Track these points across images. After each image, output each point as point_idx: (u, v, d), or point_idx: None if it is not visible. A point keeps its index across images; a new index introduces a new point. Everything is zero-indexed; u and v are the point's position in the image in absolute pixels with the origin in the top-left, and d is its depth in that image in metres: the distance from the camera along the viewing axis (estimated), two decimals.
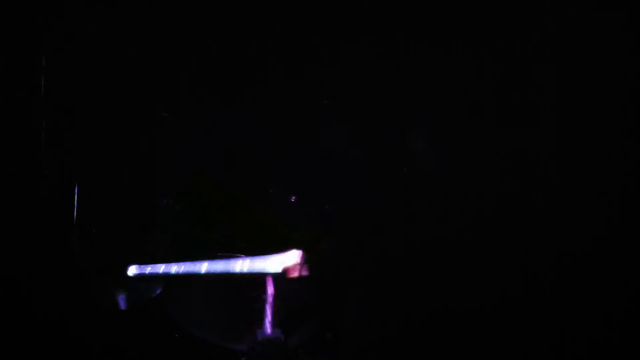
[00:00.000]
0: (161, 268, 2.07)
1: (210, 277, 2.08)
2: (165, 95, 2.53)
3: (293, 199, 2.43)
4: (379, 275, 1.36)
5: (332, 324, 1.44)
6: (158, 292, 1.99)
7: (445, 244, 1.35)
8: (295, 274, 2.06)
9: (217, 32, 2.60)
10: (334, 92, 2.52)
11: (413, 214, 1.36)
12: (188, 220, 2.34)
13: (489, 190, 1.42)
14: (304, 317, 1.69)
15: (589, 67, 2.21)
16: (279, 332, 1.81)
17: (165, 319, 1.87)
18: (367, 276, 1.35)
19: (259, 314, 1.89)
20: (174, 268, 2.06)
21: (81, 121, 2.19)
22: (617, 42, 2.13)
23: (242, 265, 2.06)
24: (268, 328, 1.84)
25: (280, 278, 2.10)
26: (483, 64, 1.42)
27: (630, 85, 2.21)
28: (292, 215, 2.31)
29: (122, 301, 2.06)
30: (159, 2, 2.47)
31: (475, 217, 1.38)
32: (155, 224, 2.29)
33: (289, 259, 2.03)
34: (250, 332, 1.88)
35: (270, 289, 2.04)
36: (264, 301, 1.94)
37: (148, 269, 2.09)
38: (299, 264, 2.02)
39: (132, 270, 2.10)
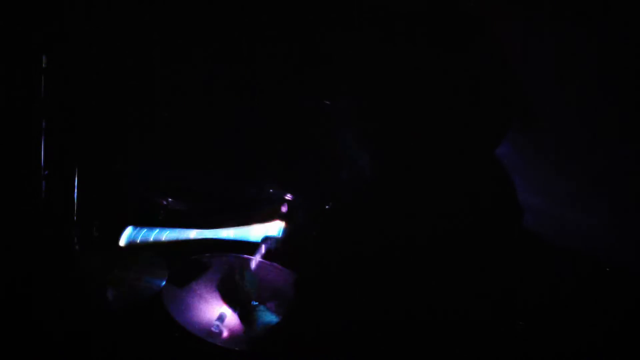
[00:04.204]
0: (152, 234, 2.07)
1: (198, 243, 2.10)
2: (165, 94, 2.54)
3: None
4: (379, 274, 1.36)
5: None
6: (158, 291, 1.99)
7: (444, 243, 1.34)
8: (278, 245, 2.08)
9: (216, 32, 2.61)
10: (334, 92, 2.52)
11: (413, 213, 1.36)
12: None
13: (488, 189, 1.42)
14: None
15: None
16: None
17: (165, 319, 1.88)
18: (365, 275, 1.35)
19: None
20: (165, 234, 2.07)
21: (81, 121, 2.20)
22: None
23: (228, 232, 2.08)
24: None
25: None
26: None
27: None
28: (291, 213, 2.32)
29: (122, 300, 2.06)
30: (159, 2, 2.47)
31: (475, 216, 1.38)
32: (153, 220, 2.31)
33: (272, 228, 2.05)
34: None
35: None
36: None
37: (140, 235, 2.09)
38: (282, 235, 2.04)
39: (125, 237, 2.09)
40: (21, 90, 2.02)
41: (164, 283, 1.96)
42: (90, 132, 2.27)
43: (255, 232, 2.08)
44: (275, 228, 2.08)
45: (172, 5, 2.51)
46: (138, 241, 2.08)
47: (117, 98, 2.42)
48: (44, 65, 1.90)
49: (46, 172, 2.02)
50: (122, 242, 2.06)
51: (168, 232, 2.08)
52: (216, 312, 1.97)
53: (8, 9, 1.97)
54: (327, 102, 2.50)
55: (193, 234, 2.07)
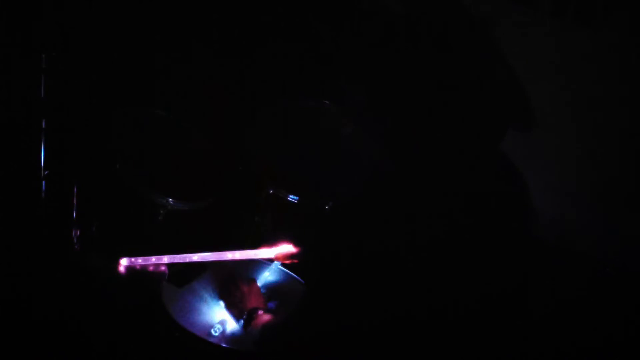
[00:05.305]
0: (152, 259, 2.08)
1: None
2: (165, 94, 2.54)
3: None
4: (379, 274, 1.36)
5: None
6: (158, 291, 1.99)
7: (444, 244, 1.34)
8: (286, 262, 2.06)
9: (217, 32, 2.60)
10: (341, 92, 2.52)
11: (414, 213, 1.36)
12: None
13: (489, 189, 1.42)
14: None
15: None
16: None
17: (165, 319, 1.87)
18: (365, 275, 1.35)
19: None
20: (165, 259, 2.07)
21: (81, 121, 2.20)
22: None
23: (233, 255, 2.05)
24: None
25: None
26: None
27: None
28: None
29: (122, 300, 2.06)
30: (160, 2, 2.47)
31: (476, 217, 1.38)
32: (151, 220, 2.30)
33: (281, 249, 2.03)
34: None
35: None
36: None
37: (139, 261, 2.10)
38: (291, 253, 2.02)
39: (124, 262, 2.11)
40: (21, 90, 2.02)
41: None
42: (91, 133, 2.27)
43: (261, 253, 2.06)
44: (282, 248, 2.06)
45: (172, 5, 2.51)
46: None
47: (116, 98, 2.41)
48: (44, 65, 1.89)
49: (46, 172, 2.01)
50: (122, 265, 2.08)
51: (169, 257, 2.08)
52: (216, 312, 1.97)
53: (8, 9, 1.97)
54: (327, 102, 2.50)
55: (195, 257, 2.06)
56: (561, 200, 2.44)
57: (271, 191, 2.45)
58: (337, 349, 1.43)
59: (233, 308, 1.93)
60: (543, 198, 1.97)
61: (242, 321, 1.86)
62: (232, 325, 1.91)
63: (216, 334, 1.86)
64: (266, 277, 2.17)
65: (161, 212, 2.31)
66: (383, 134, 1.46)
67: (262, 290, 2.04)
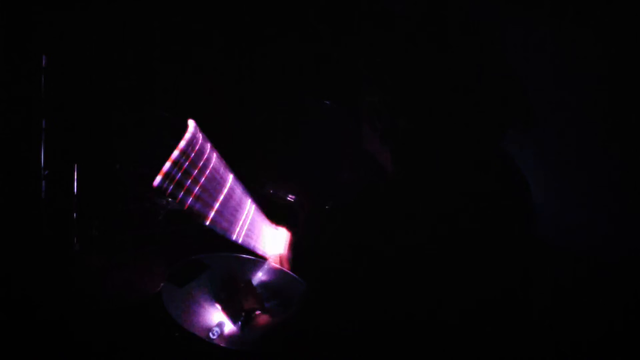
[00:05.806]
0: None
1: None
2: (165, 94, 2.54)
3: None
4: (379, 274, 1.36)
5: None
6: (158, 291, 1.99)
7: (445, 243, 1.34)
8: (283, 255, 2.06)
9: (217, 32, 2.61)
10: (335, 91, 2.52)
11: (413, 214, 1.36)
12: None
13: (488, 190, 1.42)
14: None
15: None
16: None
17: (165, 319, 1.87)
18: (364, 276, 1.35)
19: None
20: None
21: (81, 121, 2.20)
22: None
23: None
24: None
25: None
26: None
27: None
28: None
29: (122, 300, 2.07)
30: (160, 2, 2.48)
31: (475, 218, 1.38)
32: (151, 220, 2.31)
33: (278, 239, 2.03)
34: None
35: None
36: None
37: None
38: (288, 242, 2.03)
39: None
40: (21, 90, 2.02)
41: None
42: (90, 132, 2.27)
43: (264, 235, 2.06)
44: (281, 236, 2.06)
45: (173, 5, 2.51)
46: None
47: (116, 98, 2.42)
48: (44, 65, 1.89)
49: (46, 172, 2.02)
50: None
51: None
52: (216, 312, 1.97)
53: (8, 9, 1.97)
54: (327, 102, 2.50)
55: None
56: (561, 200, 2.44)
57: (271, 191, 2.46)
58: (337, 349, 1.43)
59: (230, 310, 1.93)
60: (543, 198, 1.97)
61: (239, 323, 1.86)
62: (230, 326, 1.91)
63: (214, 337, 1.86)
64: (264, 277, 2.17)
65: (161, 212, 2.31)
66: (383, 134, 1.46)
67: (261, 290, 2.04)
